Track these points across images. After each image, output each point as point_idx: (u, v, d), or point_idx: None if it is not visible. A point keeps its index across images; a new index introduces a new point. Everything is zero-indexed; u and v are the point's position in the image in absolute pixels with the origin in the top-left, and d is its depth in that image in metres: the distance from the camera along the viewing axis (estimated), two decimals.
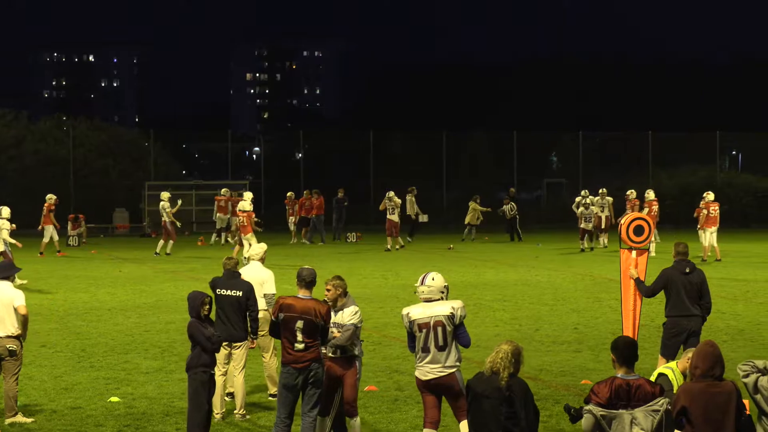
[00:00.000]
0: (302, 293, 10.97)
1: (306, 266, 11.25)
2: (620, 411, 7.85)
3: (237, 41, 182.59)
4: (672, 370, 10.05)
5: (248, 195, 31.79)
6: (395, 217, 36.30)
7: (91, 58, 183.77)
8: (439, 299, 10.31)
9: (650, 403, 7.86)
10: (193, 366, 11.10)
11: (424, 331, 10.15)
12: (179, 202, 36.76)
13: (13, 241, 27.60)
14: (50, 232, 34.59)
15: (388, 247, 36.32)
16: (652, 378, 9.96)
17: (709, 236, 31.29)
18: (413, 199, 40.23)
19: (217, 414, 12.37)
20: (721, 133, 58.12)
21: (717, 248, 31.49)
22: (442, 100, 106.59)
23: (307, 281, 11.00)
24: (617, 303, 17.66)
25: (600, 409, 7.87)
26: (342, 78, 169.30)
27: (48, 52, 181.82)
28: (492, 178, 57.06)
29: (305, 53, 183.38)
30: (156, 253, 34.57)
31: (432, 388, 10.20)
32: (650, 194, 34.66)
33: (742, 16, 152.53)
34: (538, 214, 54.85)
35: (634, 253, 13.70)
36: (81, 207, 46.11)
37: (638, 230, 13.74)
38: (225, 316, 12.48)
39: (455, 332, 10.19)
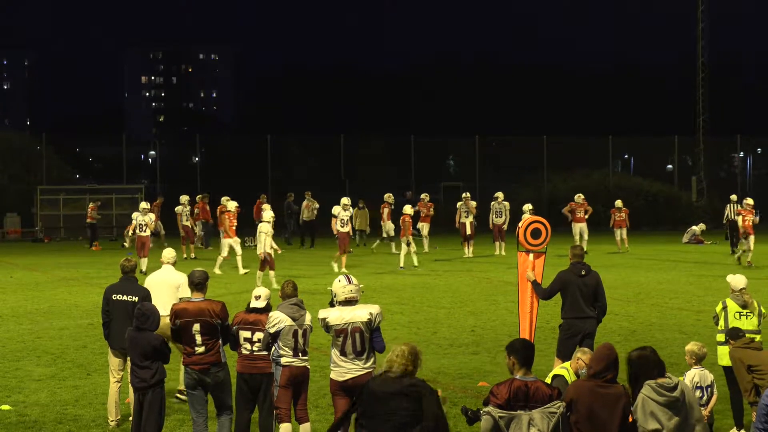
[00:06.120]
0: (195, 296, 10.95)
1: (198, 269, 11.20)
2: (518, 412, 7.93)
3: (131, 44, 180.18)
4: (567, 370, 10.27)
5: (344, 200, 30.80)
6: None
7: None
8: (357, 299, 10.38)
9: (547, 405, 7.96)
10: (162, 381, 10.75)
11: (342, 336, 10.20)
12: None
13: (275, 246, 25.92)
14: None
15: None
16: (548, 379, 10.13)
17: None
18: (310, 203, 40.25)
19: (111, 421, 12.18)
20: (613, 138, 59.15)
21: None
22: (340, 105, 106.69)
23: (196, 283, 10.99)
24: (514, 305, 17.84)
25: (498, 410, 7.94)
26: (238, 82, 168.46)
27: None
28: (390, 182, 57.13)
29: (201, 56, 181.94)
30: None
31: (348, 388, 10.19)
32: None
33: (631, 24, 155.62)
34: (435, 217, 55.06)
35: (531, 255, 13.85)
36: None
37: (535, 233, 13.88)
38: (120, 322, 12.13)
39: (371, 337, 10.26)
